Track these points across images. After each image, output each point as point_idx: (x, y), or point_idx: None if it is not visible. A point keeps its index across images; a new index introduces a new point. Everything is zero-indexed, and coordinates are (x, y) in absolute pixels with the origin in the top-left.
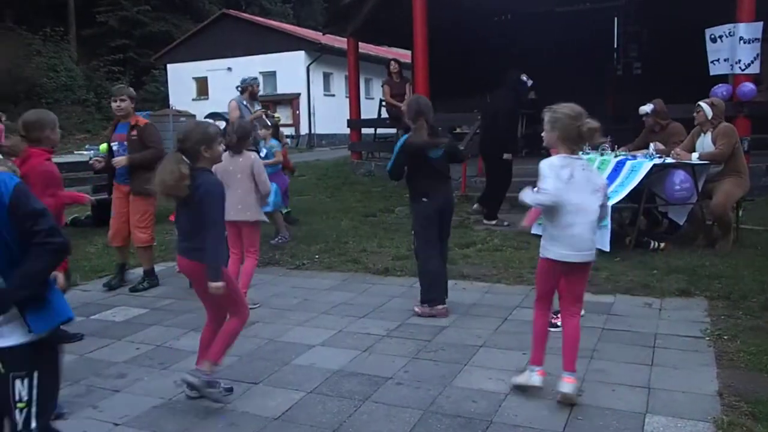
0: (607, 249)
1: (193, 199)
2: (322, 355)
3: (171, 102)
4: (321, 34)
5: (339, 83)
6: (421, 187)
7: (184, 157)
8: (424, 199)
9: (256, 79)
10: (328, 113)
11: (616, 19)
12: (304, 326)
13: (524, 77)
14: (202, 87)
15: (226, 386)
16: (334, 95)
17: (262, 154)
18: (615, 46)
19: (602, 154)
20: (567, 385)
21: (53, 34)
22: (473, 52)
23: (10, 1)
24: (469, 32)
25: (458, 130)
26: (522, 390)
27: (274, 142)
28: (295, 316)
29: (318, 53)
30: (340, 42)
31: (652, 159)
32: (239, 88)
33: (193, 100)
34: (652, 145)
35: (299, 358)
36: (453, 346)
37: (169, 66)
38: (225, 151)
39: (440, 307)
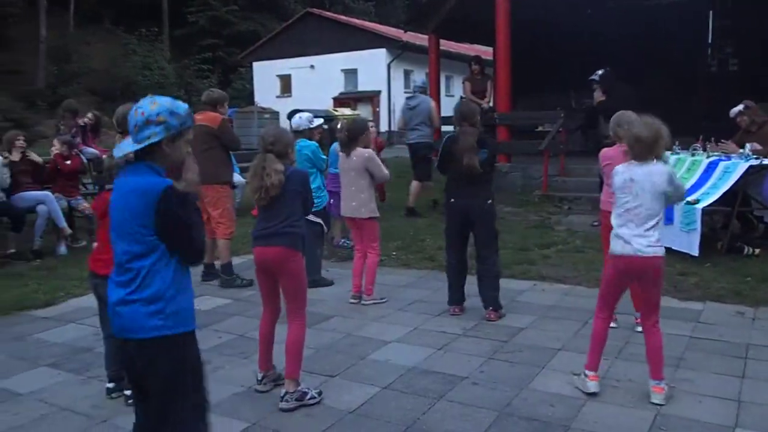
0: (696, 253)
1: (285, 188)
2: (397, 351)
3: (256, 99)
4: (402, 31)
5: (419, 81)
6: (451, 188)
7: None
8: (452, 200)
9: None
10: None
11: (711, 13)
12: (381, 322)
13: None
14: (286, 84)
15: (315, 390)
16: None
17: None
18: (709, 41)
19: (693, 155)
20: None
21: (148, 34)
22: (557, 49)
23: (109, 3)
24: (553, 28)
25: (540, 128)
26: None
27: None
28: (372, 312)
29: (399, 51)
30: (421, 39)
31: (747, 160)
32: (425, 90)
33: (277, 97)
34: (748, 145)
35: (375, 354)
36: (530, 348)
37: (254, 64)
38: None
39: (449, 308)
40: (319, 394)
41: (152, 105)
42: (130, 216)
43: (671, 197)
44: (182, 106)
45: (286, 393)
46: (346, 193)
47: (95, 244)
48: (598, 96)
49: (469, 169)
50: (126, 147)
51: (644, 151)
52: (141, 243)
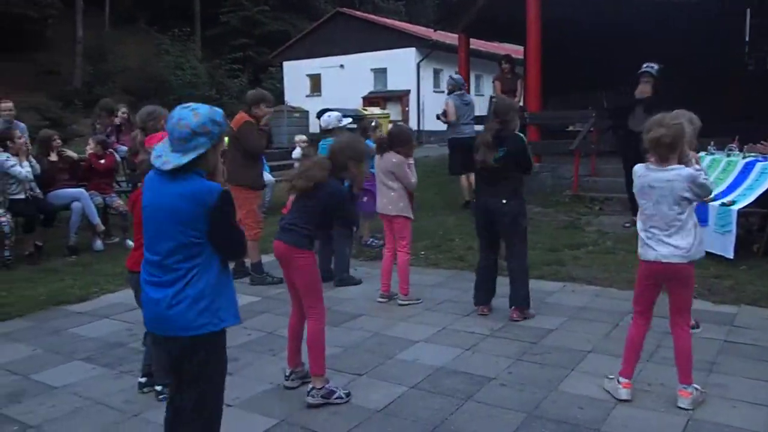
0: (731, 256)
1: (316, 195)
2: (425, 351)
3: (286, 99)
4: (432, 30)
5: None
6: (476, 187)
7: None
8: (473, 199)
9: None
10: (437, 109)
11: (748, 10)
12: (408, 321)
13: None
14: (316, 84)
15: (344, 390)
16: (443, 92)
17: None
18: (746, 39)
19: (729, 155)
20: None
21: (181, 34)
22: (589, 47)
23: (144, 4)
24: (584, 25)
25: (570, 128)
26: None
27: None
28: (400, 311)
29: (428, 50)
30: (451, 38)
31: None
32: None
33: (307, 96)
34: None
35: (402, 353)
36: (559, 350)
37: (284, 63)
38: None
39: (477, 307)
40: (347, 395)
41: (195, 116)
42: (178, 219)
43: (696, 196)
44: (219, 112)
45: (313, 388)
46: (379, 190)
47: (128, 242)
48: (646, 90)
49: (482, 166)
50: (175, 159)
51: (665, 153)
52: (188, 245)
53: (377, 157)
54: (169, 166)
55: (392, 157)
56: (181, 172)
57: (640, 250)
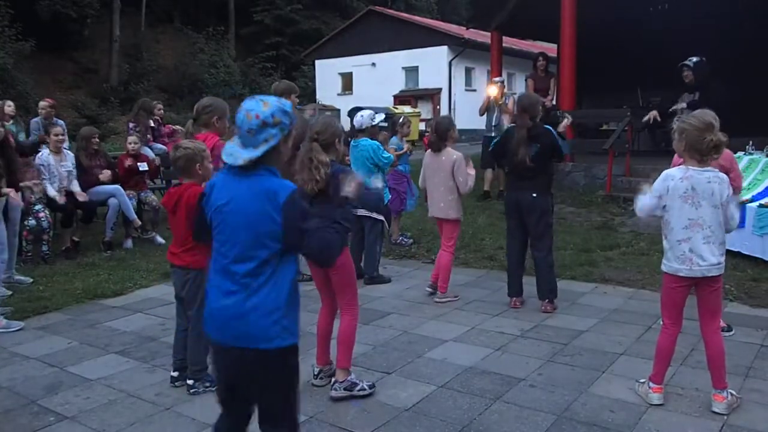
0: None
1: (330, 186)
2: (454, 350)
3: (317, 97)
4: (464, 28)
5: (481, 78)
6: (507, 179)
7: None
8: (504, 192)
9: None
10: (469, 108)
11: None
12: (438, 320)
13: None
14: (347, 82)
15: (368, 383)
16: (475, 90)
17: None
18: None
19: None
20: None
21: (215, 33)
22: (625, 45)
23: (180, 3)
24: (621, 23)
25: (604, 127)
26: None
27: (394, 140)
28: (430, 310)
29: (461, 48)
30: (483, 36)
31: None
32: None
33: (338, 95)
34: None
35: (432, 352)
36: (591, 352)
37: (317, 62)
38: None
39: (510, 300)
40: (371, 386)
41: (264, 106)
42: (248, 220)
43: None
44: (288, 104)
45: (336, 381)
46: (434, 193)
47: (158, 237)
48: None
49: (519, 164)
50: (245, 153)
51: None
52: (258, 248)
53: (430, 155)
54: (239, 162)
55: (453, 154)
56: (252, 169)
57: (679, 265)
